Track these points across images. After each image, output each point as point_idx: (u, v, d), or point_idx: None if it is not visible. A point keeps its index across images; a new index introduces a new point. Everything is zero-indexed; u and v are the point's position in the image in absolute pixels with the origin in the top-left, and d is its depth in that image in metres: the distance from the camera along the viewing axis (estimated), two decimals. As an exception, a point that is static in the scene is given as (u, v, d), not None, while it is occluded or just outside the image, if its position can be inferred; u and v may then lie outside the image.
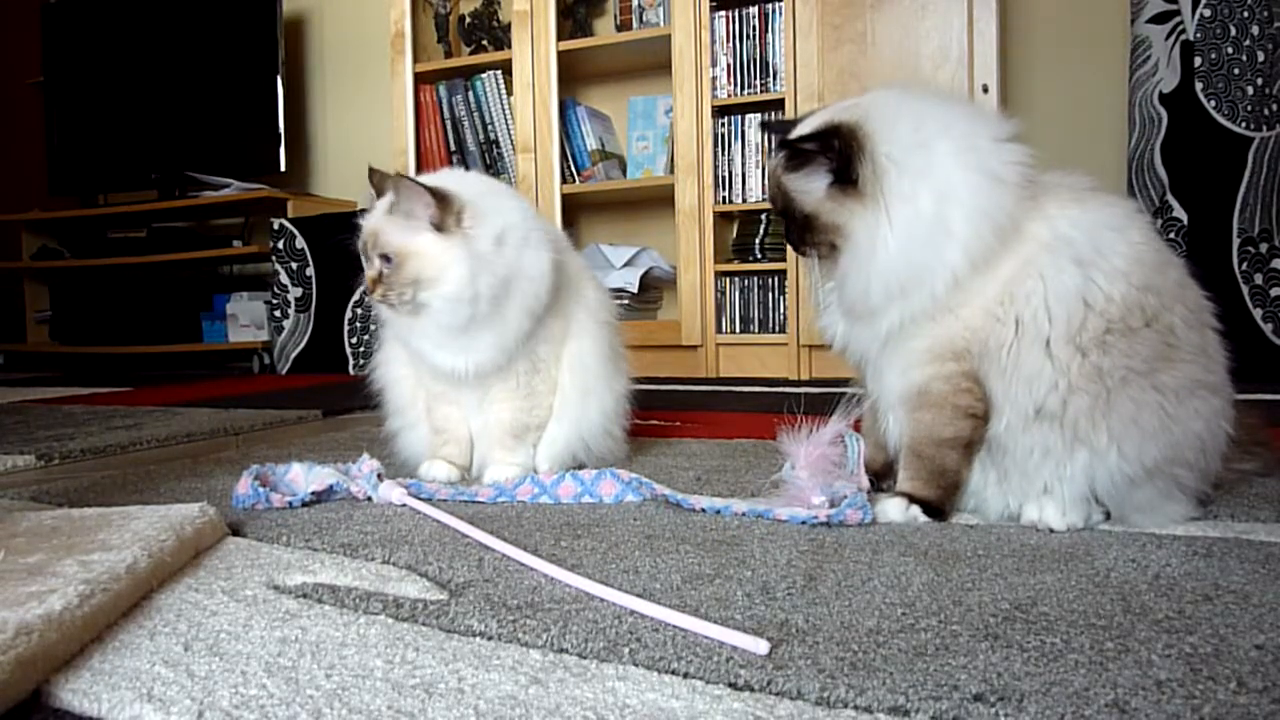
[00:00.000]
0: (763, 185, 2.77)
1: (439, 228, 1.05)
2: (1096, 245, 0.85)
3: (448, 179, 1.12)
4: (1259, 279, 2.36)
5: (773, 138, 1.01)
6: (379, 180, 1.12)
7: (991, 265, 0.86)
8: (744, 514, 0.96)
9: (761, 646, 0.58)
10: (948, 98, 1.00)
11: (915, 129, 0.89)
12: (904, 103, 0.93)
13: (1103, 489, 0.86)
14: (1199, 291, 0.90)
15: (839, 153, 0.88)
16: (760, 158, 2.77)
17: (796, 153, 0.92)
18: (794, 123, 0.99)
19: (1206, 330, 0.88)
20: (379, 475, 1.06)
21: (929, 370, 0.90)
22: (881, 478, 1.03)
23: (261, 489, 1.03)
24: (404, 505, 1.02)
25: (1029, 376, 0.86)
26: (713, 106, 2.78)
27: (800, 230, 0.94)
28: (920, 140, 0.88)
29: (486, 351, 1.10)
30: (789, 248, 0.99)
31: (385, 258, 1.06)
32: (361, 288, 1.10)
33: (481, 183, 1.15)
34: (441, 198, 1.05)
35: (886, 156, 0.87)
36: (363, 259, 1.10)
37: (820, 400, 1.06)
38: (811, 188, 0.91)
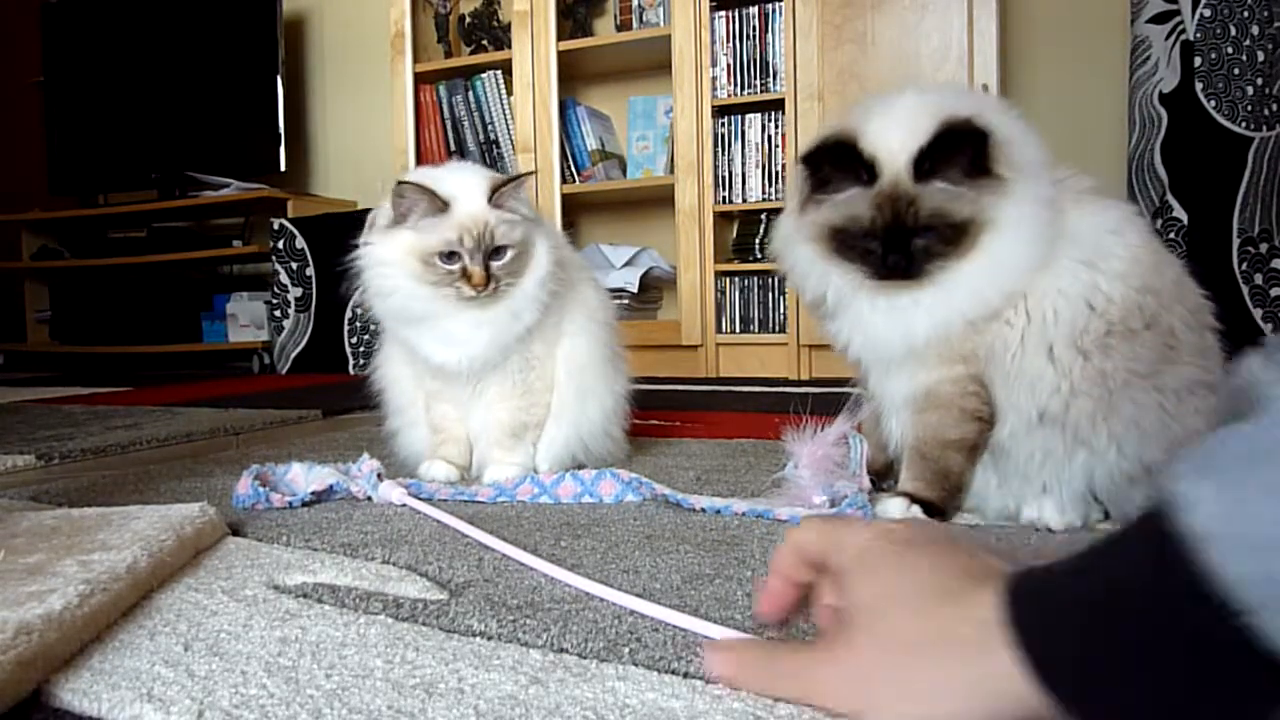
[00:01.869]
0: (763, 185, 2.77)
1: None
2: (1098, 248, 0.85)
3: (453, 171, 1.13)
4: (1259, 279, 2.36)
5: (818, 175, 0.90)
6: (411, 191, 1.06)
7: (1042, 267, 0.86)
8: (744, 514, 0.96)
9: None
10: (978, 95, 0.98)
11: (1003, 127, 0.86)
12: (971, 100, 0.91)
13: (1102, 487, 0.87)
14: (1198, 292, 0.90)
15: (976, 146, 0.83)
16: (760, 157, 2.77)
17: (935, 163, 0.84)
18: (835, 144, 0.89)
19: (1206, 331, 0.89)
20: (379, 475, 1.06)
21: (937, 373, 0.90)
22: (882, 478, 1.04)
23: (261, 489, 1.03)
24: (404, 505, 1.02)
25: (1032, 381, 0.86)
26: (713, 106, 2.78)
27: (937, 244, 0.85)
28: (1009, 136, 0.86)
29: (479, 345, 1.10)
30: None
31: (498, 250, 1.07)
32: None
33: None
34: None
35: (1004, 140, 0.84)
36: (447, 256, 1.06)
37: (820, 400, 1.06)
38: (953, 189, 0.84)
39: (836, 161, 0.88)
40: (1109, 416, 0.83)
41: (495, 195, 1.06)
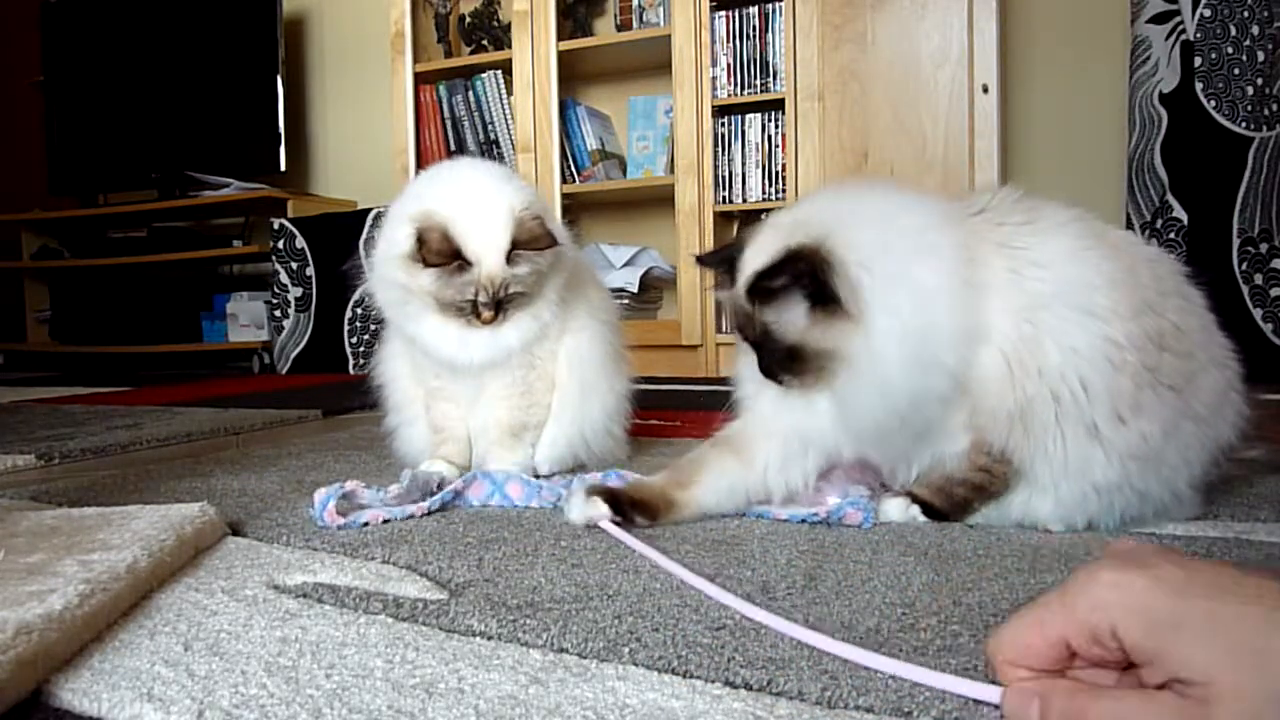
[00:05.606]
0: (763, 185, 2.77)
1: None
2: (1083, 292, 0.82)
3: (474, 206, 1.08)
4: (1259, 279, 2.36)
5: (715, 271, 0.94)
6: (439, 245, 1.04)
7: (980, 340, 0.83)
8: (744, 514, 0.96)
9: (993, 694, 0.49)
10: (880, 186, 0.96)
11: (874, 232, 0.85)
12: (850, 206, 0.89)
13: (1145, 517, 0.88)
14: (1171, 261, 0.89)
15: (812, 276, 0.82)
16: (760, 157, 2.77)
17: (765, 290, 0.85)
18: (728, 250, 0.93)
19: (1192, 302, 0.88)
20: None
21: (963, 440, 0.89)
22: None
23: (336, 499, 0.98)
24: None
25: (1081, 465, 0.83)
26: (713, 106, 2.78)
27: (784, 362, 0.86)
28: (883, 243, 0.84)
29: (497, 344, 1.09)
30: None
31: (510, 294, 1.07)
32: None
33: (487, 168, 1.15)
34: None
35: (858, 265, 0.82)
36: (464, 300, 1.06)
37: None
38: (792, 317, 0.85)
39: None
40: (1158, 468, 0.83)
41: (513, 255, 1.05)
